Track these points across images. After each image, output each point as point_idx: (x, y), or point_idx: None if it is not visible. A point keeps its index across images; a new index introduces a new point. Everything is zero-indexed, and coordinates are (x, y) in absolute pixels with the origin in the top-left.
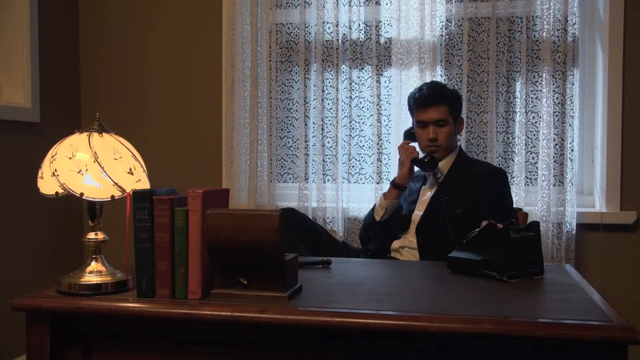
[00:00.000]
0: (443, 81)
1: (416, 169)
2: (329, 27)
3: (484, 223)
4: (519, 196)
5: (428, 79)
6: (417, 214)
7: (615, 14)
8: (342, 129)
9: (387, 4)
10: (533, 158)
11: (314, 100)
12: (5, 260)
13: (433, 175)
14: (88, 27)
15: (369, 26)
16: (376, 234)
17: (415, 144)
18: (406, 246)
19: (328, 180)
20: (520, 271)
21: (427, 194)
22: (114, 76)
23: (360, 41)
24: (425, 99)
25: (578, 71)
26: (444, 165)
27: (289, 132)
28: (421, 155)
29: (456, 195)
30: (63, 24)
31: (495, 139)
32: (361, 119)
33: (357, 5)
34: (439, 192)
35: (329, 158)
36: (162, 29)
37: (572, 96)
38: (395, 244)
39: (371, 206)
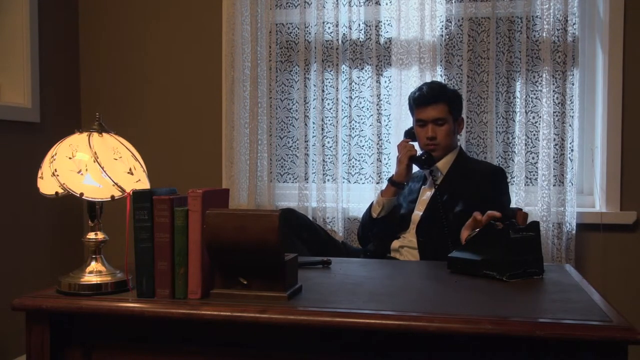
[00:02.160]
0: (443, 81)
1: (416, 168)
2: (329, 27)
3: (476, 214)
4: (519, 196)
5: (428, 79)
6: (417, 213)
7: (615, 14)
8: (342, 129)
9: (387, 4)
10: (533, 158)
11: (314, 100)
12: (5, 260)
13: (430, 173)
14: (88, 27)
15: (369, 26)
16: (375, 233)
17: (415, 144)
18: (406, 246)
19: (328, 180)
20: (520, 271)
21: (426, 194)
22: (114, 76)
23: (360, 41)
24: (424, 98)
25: (578, 71)
26: (444, 164)
27: (289, 132)
28: (419, 153)
29: (455, 194)
30: (63, 24)
31: (495, 139)
32: (361, 119)
33: (357, 5)
34: (438, 191)
35: (329, 158)
36: (162, 29)
37: (572, 96)
38: (395, 243)
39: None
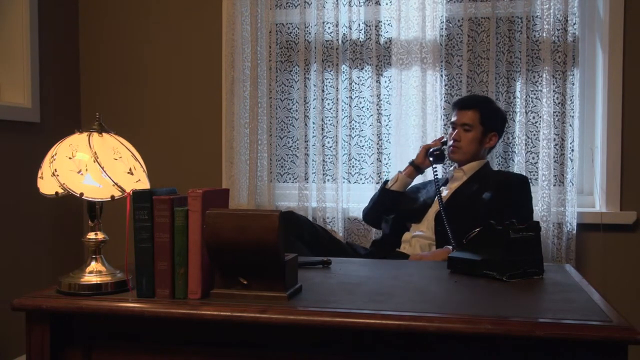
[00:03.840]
0: (443, 81)
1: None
2: (329, 27)
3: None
4: None
5: (428, 79)
6: (434, 209)
7: (615, 14)
8: (342, 129)
9: (387, 4)
10: (533, 158)
11: (314, 100)
12: (5, 260)
13: (432, 168)
14: (88, 27)
15: (369, 26)
16: (389, 219)
17: (446, 147)
18: (417, 236)
19: (328, 180)
20: (520, 271)
21: (445, 192)
22: (114, 76)
23: (360, 41)
24: (460, 103)
25: (578, 71)
26: (469, 169)
27: (289, 132)
28: (435, 148)
29: (475, 196)
30: (63, 24)
31: None
32: (361, 119)
33: (357, 5)
34: (460, 190)
35: (329, 158)
36: (162, 29)
37: (572, 96)
38: (407, 235)
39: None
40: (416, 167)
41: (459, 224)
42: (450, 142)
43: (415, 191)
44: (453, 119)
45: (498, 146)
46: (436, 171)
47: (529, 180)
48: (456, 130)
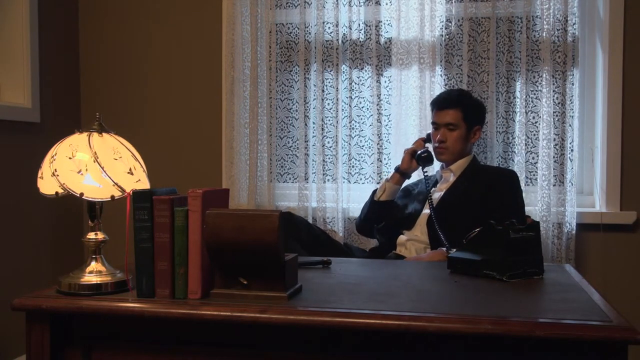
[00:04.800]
0: (443, 81)
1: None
2: (329, 27)
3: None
4: None
5: (428, 79)
6: (425, 212)
7: (615, 14)
8: (342, 129)
9: (387, 4)
10: (533, 158)
11: (314, 100)
12: (5, 260)
13: (424, 174)
14: (88, 27)
15: (369, 26)
16: (380, 229)
17: (430, 145)
18: (412, 239)
19: (328, 180)
20: (520, 271)
21: (436, 194)
22: (114, 76)
23: (360, 41)
24: (440, 102)
25: (578, 71)
26: (457, 167)
27: (289, 132)
28: (421, 151)
29: (466, 195)
30: (63, 24)
31: (495, 139)
32: (361, 119)
33: (357, 5)
34: (450, 191)
35: (329, 158)
36: (162, 29)
37: (572, 96)
38: (402, 238)
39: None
40: (402, 173)
41: (452, 226)
42: (436, 144)
43: (405, 195)
44: (434, 119)
45: (498, 146)
46: (426, 172)
47: (518, 175)
48: (440, 131)
